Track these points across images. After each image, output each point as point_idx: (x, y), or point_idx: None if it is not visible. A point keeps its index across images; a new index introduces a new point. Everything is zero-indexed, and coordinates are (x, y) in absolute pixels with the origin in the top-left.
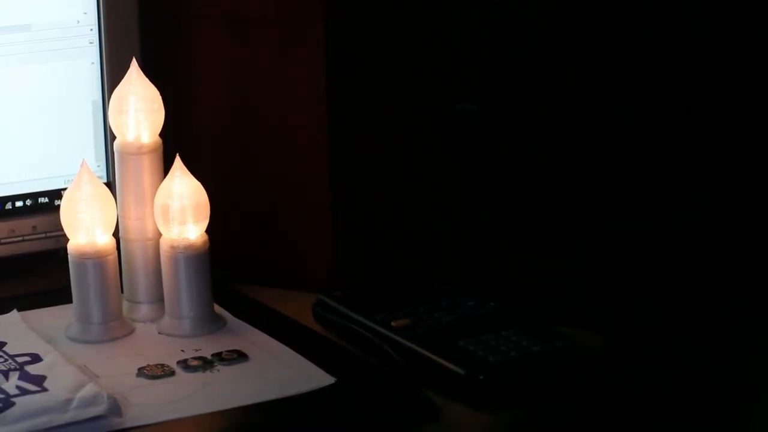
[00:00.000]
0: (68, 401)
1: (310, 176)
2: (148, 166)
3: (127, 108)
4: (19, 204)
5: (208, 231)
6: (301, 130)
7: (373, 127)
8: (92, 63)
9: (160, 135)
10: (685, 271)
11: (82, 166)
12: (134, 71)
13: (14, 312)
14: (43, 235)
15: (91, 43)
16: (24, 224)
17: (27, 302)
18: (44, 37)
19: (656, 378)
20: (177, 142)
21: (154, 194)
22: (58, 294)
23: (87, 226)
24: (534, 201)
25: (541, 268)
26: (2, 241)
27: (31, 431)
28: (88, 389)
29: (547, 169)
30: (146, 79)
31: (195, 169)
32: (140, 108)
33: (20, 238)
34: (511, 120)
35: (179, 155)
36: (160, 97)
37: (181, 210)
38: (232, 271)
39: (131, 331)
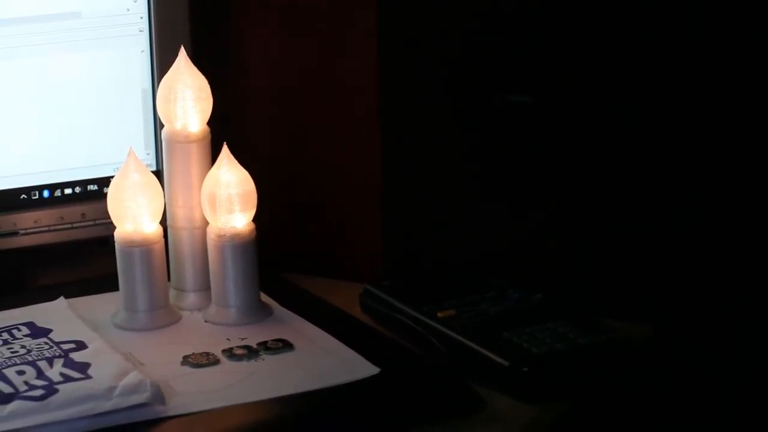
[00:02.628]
0: (111, 389)
1: (360, 166)
2: (196, 154)
3: (175, 96)
4: (68, 191)
5: (256, 220)
6: (352, 120)
7: (424, 118)
8: (142, 51)
9: (209, 123)
10: (735, 263)
11: (129, 154)
12: (183, 60)
13: (61, 299)
14: (92, 223)
15: (141, 31)
16: (73, 211)
17: (74, 289)
18: (94, 25)
19: (702, 371)
20: (226, 130)
21: (202, 183)
22: (106, 281)
23: (134, 214)
24: (583, 193)
25: (589, 259)
26: (51, 228)
27: (73, 418)
28: (132, 377)
29: (596, 161)
30: (194, 68)
31: (244, 157)
32: (188, 96)
33: (69, 226)
34: (563, 112)
35: (227, 144)
36: (208, 86)
37: (228, 199)
38: (281, 260)
39: (177, 320)
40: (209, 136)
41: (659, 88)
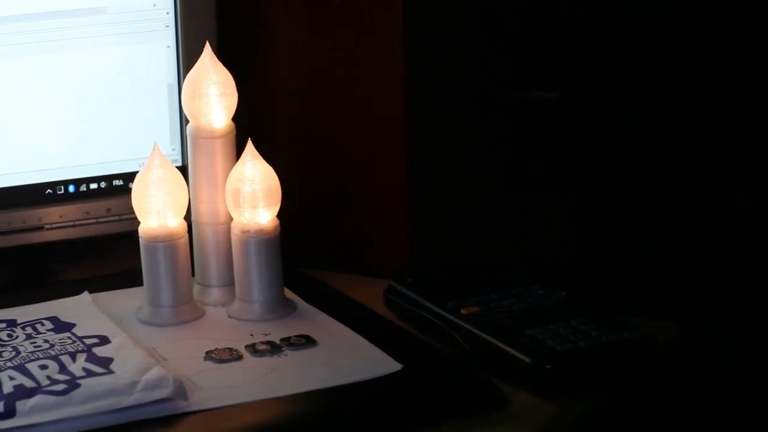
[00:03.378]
0: (134, 384)
1: (387, 162)
2: (221, 150)
3: (200, 92)
4: (93, 186)
5: (280, 216)
6: (378, 116)
7: (450, 114)
8: (168, 46)
9: (234, 119)
10: (758, 262)
11: (153, 149)
12: (208, 55)
13: (85, 294)
14: (117, 218)
15: (167, 26)
16: (98, 206)
17: (99, 284)
18: (120, 20)
19: (726, 370)
20: (252, 126)
21: (227, 178)
22: (131, 276)
23: (158, 210)
24: (609, 190)
25: (613, 257)
26: (76, 223)
27: (95, 413)
28: (155, 372)
29: (621, 158)
30: (220, 64)
31: (269, 153)
32: (213, 92)
33: (94, 221)
34: (590, 109)
35: (251, 139)
36: (233, 82)
37: (252, 194)
38: (307, 256)
39: (201, 315)
40: (234, 132)
41: (687, 85)
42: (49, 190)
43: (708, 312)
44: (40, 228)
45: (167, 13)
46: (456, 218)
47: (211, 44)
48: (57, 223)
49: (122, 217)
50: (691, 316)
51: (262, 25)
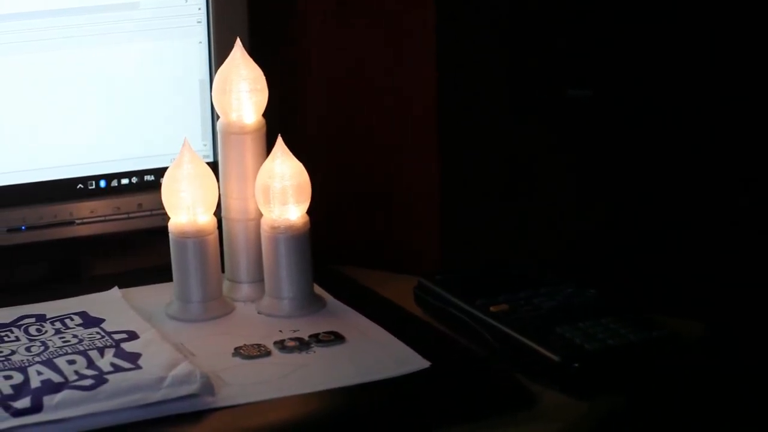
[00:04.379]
0: (161, 379)
1: (418, 159)
2: (251, 146)
3: (231, 88)
4: (125, 182)
5: (310, 212)
6: (410, 113)
7: (482, 112)
8: (200, 42)
9: (264, 115)
10: None
11: (183, 145)
12: (238, 51)
13: (115, 289)
14: (149, 213)
15: (199, 22)
16: (130, 202)
17: (129, 279)
18: (152, 16)
19: (754, 369)
20: (282, 122)
21: (257, 174)
22: (161, 272)
23: (188, 205)
24: (640, 189)
25: (643, 256)
26: (107, 218)
27: (122, 408)
28: (182, 368)
29: (654, 156)
30: (250, 60)
31: (300, 149)
32: (243, 88)
33: (125, 216)
34: (624, 106)
35: (282, 136)
36: (263, 78)
37: (282, 191)
38: (337, 252)
39: (231, 311)
40: (264, 128)
41: (720, 83)
42: (80, 185)
43: (737, 311)
44: (71, 223)
45: (199, 9)
46: (486, 216)
47: (242, 40)
48: (88, 218)
49: (153, 212)
50: (722, 315)
51: (293, 21)
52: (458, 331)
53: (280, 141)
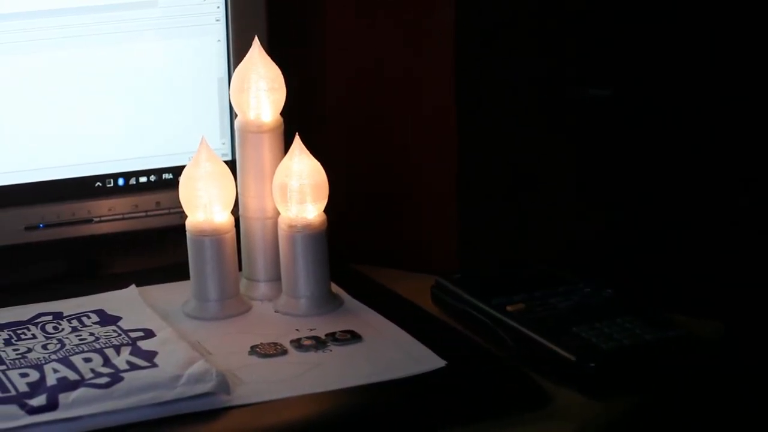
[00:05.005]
0: (177, 377)
1: (436, 157)
2: (269, 144)
3: (248, 86)
4: (143, 180)
5: (328, 210)
6: (428, 112)
7: (500, 110)
8: (218, 40)
9: (282, 114)
10: None
11: (201, 143)
12: (256, 50)
13: (132, 287)
14: (167, 211)
15: (217, 20)
16: (148, 200)
17: (147, 277)
18: (171, 14)
19: None
20: (300, 120)
21: (274, 173)
22: (179, 270)
23: (205, 204)
24: (657, 188)
25: (660, 255)
26: (126, 216)
27: (137, 406)
28: (198, 366)
29: (671, 156)
30: (268, 58)
31: (318, 148)
32: (261, 87)
33: (143, 214)
34: (643, 106)
35: (300, 134)
36: (281, 76)
37: (299, 189)
38: (355, 251)
39: (248, 309)
40: (282, 126)
41: (740, 82)
42: (98, 183)
43: (754, 311)
44: (89, 221)
45: (218, 8)
46: (504, 215)
47: (261, 38)
48: (106, 216)
49: (171, 210)
50: (740, 314)
51: (312, 19)
52: (475, 330)
53: (297, 139)
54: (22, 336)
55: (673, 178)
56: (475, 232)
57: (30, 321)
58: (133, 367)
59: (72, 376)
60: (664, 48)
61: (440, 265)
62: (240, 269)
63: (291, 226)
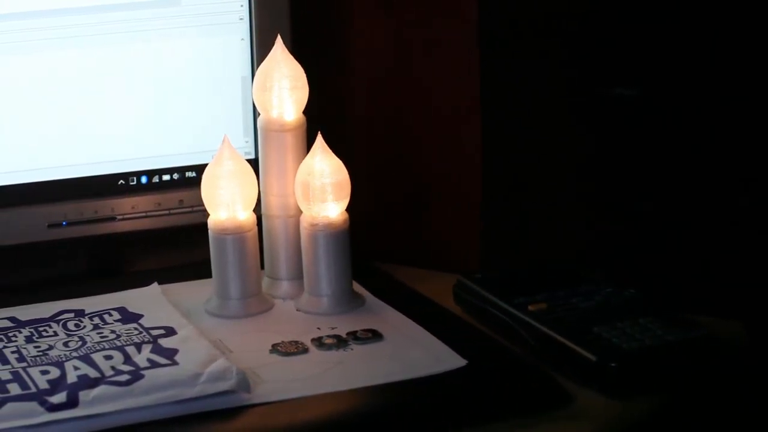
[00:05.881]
0: (197, 375)
1: (460, 158)
2: (291, 143)
3: (271, 85)
4: (166, 178)
5: (351, 209)
6: (453, 110)
7: (525, 110)
8: (242, 39)
9: (305, 112)
10: None
11: (223, 142)
12: (279, 48)
13: (155, 285)
14: (190, 210)
15: (241, 19)
16: (171, 198)
17: (169, 275)
18: (194, 12)
19: None
20: (324, 119)
21: (297, 171)
22: (201, 268)
23: (227, 202)
24: (681, 188)
25: (683, 255)
26: (149, 213)
27: (157, 404)
28: (218, 364)
29: (698, 156)
30: (291, 57)
31: (341, 146)
32: (284, 85)
33: (167, 212)
34: (671, 106)
35: (322, 133)
36: (304, 75)
37: (321, 188)
38: (377, 249)
39: (270, 308)
40: (305, 125)
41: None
42: (121, 181)
43: None
44: (112, 218)
45: (241, 6)
46: (528, 214)
47: (284, 37)
48: (129, 213)
49: (194, 208)
50: (762, 315)
51: (336, 17)
52: (497, 329)
53: (320, 138)
54: (44, 333)
55: (698, 178)
56: (498, 231)
57: (52, 318)
58: (154, 364)
59: (92, 373)
60: (693, 48)
61: (462, 265)
62: (262, 267)
63: (313, 225)
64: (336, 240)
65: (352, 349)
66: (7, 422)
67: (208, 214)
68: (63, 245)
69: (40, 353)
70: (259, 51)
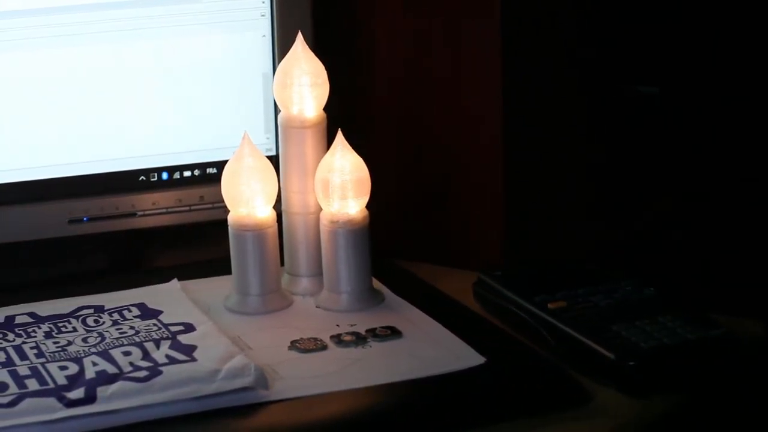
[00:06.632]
0: (215, 372)
1: (482, 155)
2: (312, 139)
3: (292, 82)
4: (187, 174)
5: (371, 206)
6: (475, 108)
7: (547, 108)
8: (263, 36)
9: (325, 109)
10: None
11: (244, 138)
12: (300, 45)
13: (174, 281)
14: (210, 206)
15: (262, 15)
16: (192, 194)
17: (189, 272)
18: (216, 9)
19: None
20: (344, 116)
21: (317, 168)
22: (222, 264)
23: (247, 198)
24: (702, 186)
25: (703, 254)
26: (169, 210)
27: (175, 400)
28: (237, 360)
29: (718, 154)
30: (311, 54)
31: (362, 143)
32: (304, 82)
33: (187, 208)
34: (691, 104)
35: (343, 130)
36: (324, 72)
37: (341, 185)
38: (398, 246)
39: (289, 304)
40: (325, 122)
41: None
42: (142, 177)
43: None
44: (133, 214)
45: (263, 2)
46: (549, 212)
47: (306, 34)
48: (150, 209)
49: (215, 205)
50: None
51: (358, 14)
52: (516, 327)
53: (340, 135)
54: (63, 329)
55: (718, 177)
56: (519, 229)
57: (71, 314)
58: (172, 361)
59: (111, 369)
60: (713, 46)
61: (483, 262)
62: (282, 264)
63: (333, 222)
64: (356, 237)
65: (370, 347)
66: (25, 418)
67: (228, 211)
68: (83, 241)
69: (59, 349)
70: (281, 48)
